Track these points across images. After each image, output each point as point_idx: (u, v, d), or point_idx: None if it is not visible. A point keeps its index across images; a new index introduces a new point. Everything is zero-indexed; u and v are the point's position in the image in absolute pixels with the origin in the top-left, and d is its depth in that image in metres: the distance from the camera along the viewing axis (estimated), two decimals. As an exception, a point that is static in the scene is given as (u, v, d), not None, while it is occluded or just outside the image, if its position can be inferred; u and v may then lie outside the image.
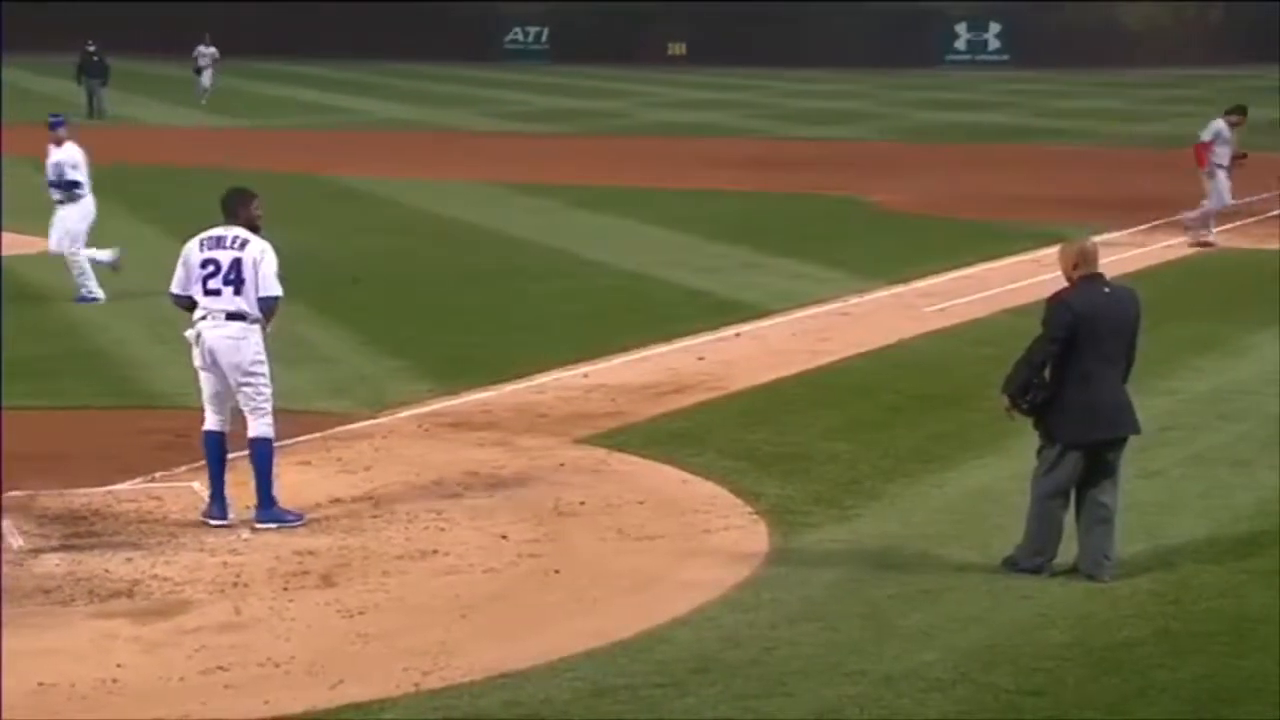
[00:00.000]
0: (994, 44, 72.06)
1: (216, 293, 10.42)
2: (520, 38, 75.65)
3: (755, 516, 10.55)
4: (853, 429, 12.80)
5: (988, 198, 28.16)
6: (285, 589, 9.21)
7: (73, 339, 15.85)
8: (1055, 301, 9.12)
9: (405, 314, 17.76)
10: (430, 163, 34.31)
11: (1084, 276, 9.16)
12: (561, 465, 11.78)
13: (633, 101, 52.80)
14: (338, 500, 10.90)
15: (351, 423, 12.97)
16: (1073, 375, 8.98)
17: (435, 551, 9.87)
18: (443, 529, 10.30)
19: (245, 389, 10.41)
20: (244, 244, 10.54)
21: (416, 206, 26.98)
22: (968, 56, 71.52)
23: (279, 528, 10.26)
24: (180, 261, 10.59)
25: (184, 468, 11.48)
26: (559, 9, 74.62)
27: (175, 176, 30.44)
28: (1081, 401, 9.01)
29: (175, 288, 10.62)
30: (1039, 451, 9.26)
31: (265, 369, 10.47)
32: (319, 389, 14.29)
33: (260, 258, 10.54)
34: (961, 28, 72.22)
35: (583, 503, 10.84)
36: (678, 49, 72.96)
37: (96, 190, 20.28)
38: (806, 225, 25.19)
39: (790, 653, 8.22)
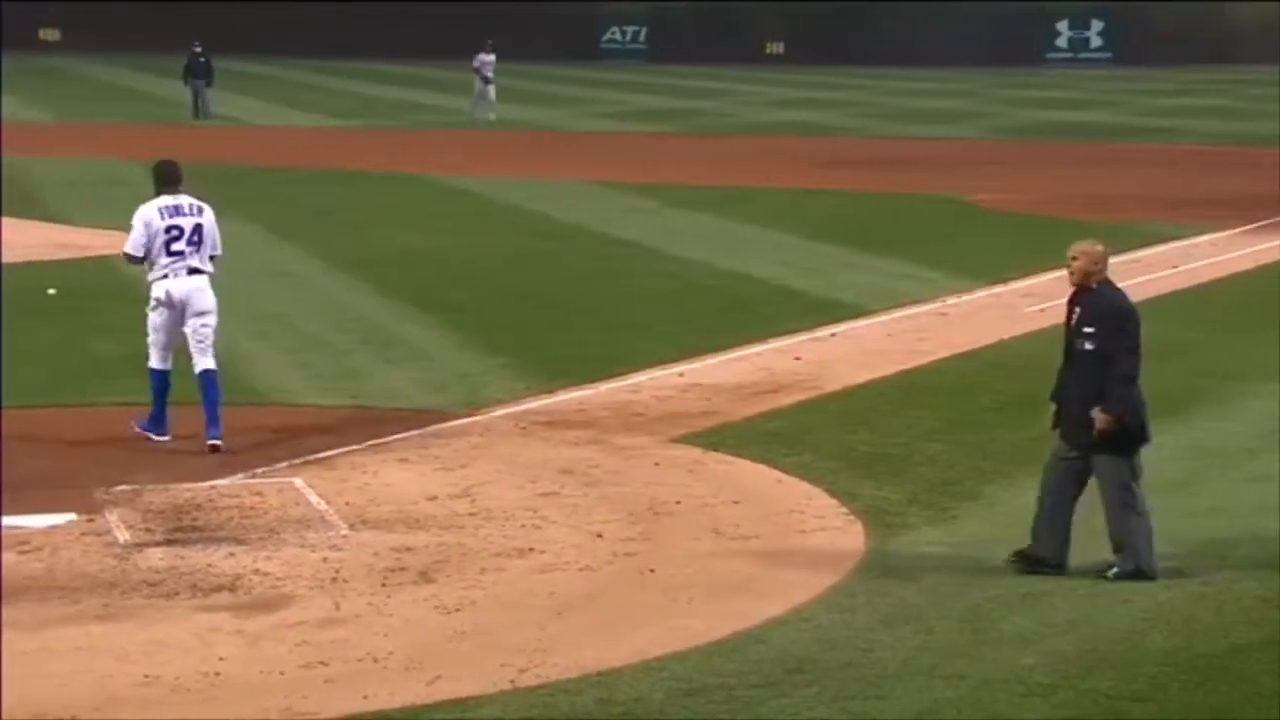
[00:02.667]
0: (1096, 41, 71.15)
1: (180, 254, 12.16)
2: (618, 37, 75.78)
3: (851, 517, 10.50)
4: (950, 430, 12.70)
5: (1089, 197, 27.81)
6: (384, 585, 9.29)
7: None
8: (1120, 312, 9.07)
9: (504, 312, 17.86)
10: (529, 162, 34.47)
11: (1102, 281, 9.18)
12: (657, 464, 11.80)
13: (731, 101, 52.71)
14: (435, 498, 10.99)
15: (449, 420, 13.07)
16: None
17: (531, 549, 9.92)
18: (539, 527, 10.35)
19: (202, 329, 12.22)
20: (201, 210, 12.32)
21: (516, 205, 27.11)
22: (1069, 54, 70.68)
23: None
24: (142, 226, 12.14)
25: (284, 463, 11.65)
26: (657, 8, 74.66)
27: (277, 175, 30.80)
28: (1140, 405, 9.12)
29: (134, 249, 12.20)
30: (1114, 464, 9.12)
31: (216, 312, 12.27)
32: (418, 387, 14.40)
33: (213, 223, 12.35)
34: (1063, 25, 71.38)
35: (678, 502, 10.85)
36: (775, 48, 72.73)
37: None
38: (906, 225, 25.02)
39: (887, 655, 8.18)
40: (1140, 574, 9.17)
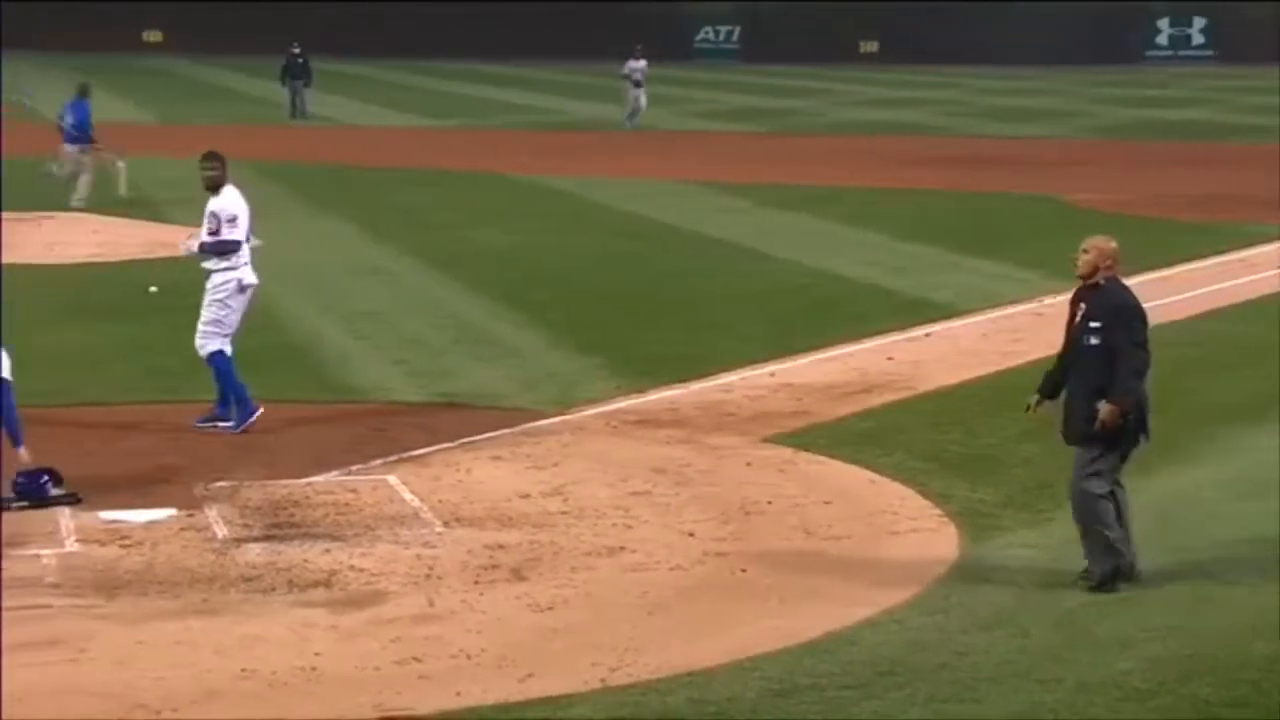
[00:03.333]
0: (1198, 39, 70.09)
1: (249, 240, 12.89)
2: (710, 37, 75.72)
3: (944, 519, 10.42)
4: (1045, 432, 12.51)
5: (1190, 196, 27.43)
6: (476, 582, 9.34)
7: (277, 333, 16.23)
8: (1127, 308, 8.95)
9: (594, 311, 17.90)
10: (619, 161, 34.50)
11: (1110, 277, 9.06)
12: (748, 464, 11.78)
13: (823, 100, 52.48)
14: (527, 495, 11.03)
15: (541, 419, 13.12)
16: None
17: (623, 548, 9.93)
18: (630, 526, 10.36)
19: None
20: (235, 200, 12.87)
21: (607, 205, 27.17)
22: (1170, 52, 69.68)
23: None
24: (245, 213, 12.74)
25: (379, 461, 11.73)
26: (749, 8, 74.51)
27: (372, 175, 31.07)
28: (1144, 403, 9.01)
29: (243, 236, 12.74)
30: (1106, 458, 8.97)
31: None
32: (511, 385, 14.48)
33: None
34: (1164, 23, 70.37)
35: (769, 502, 10.83)
36: (869, 47, 72.32)
37: (297, 188, 20.80)
38: (1001, 224, 24.79)
39: (980, 658, 8.11)
40: (1114, 575, 8.99)
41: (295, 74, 44.44)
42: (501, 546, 9.93)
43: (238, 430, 12.40)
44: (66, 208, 25.46)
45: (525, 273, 20.47)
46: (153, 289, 16.56)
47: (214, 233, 12.64)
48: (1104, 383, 8.85)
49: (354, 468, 11.58)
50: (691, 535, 10.14)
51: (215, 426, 12.45)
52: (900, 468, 11.51)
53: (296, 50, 44.31)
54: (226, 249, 12.67)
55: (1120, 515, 9.11)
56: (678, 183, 30.14)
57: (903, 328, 16.64)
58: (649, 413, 13.35)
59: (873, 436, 12.40)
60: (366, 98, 52.11)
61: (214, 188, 12.70)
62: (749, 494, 10.99)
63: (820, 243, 22.78)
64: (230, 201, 12.73)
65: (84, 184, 25.96)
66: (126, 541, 9.95)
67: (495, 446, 12.31)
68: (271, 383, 14.23)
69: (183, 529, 10.23)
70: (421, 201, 27.43)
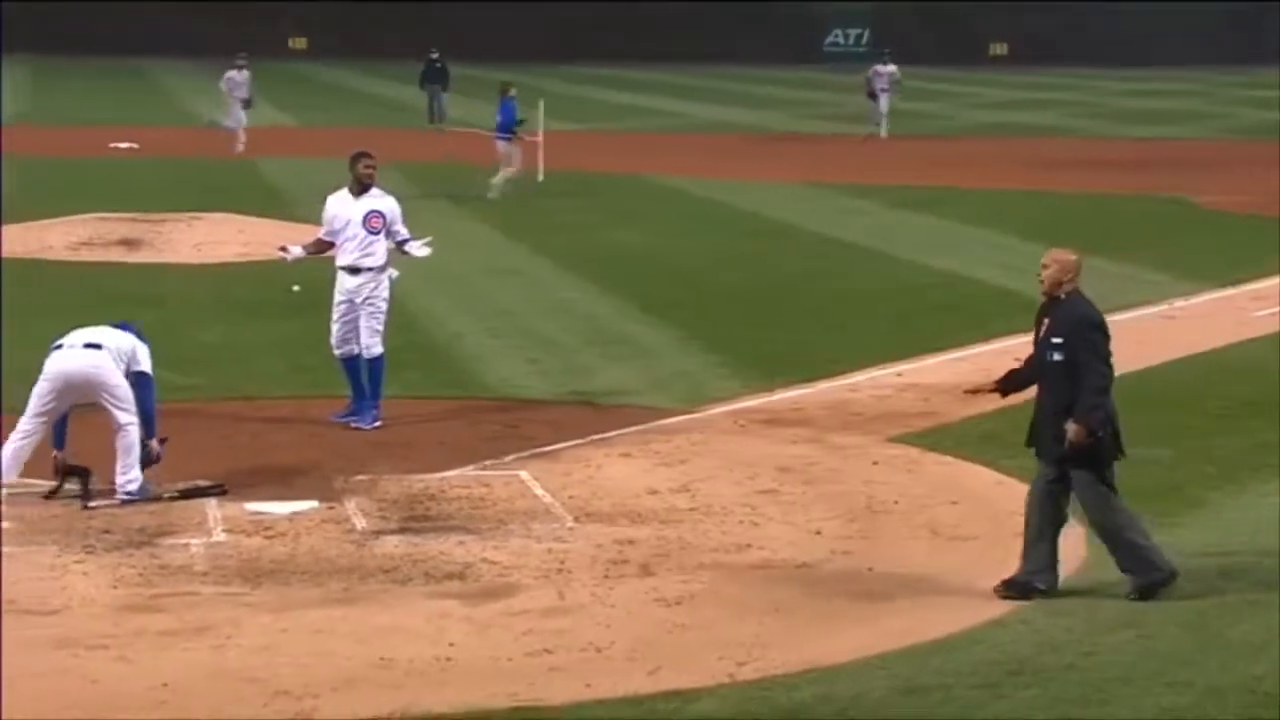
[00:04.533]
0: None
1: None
2: (840, 39, 75.27)
3: (1072, 521, 10.26)
4: (1175, 435, 12.32)
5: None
6: (606, 577, 9.37)
7: (416, 332, 16.42)
8: (1087, 321, 8.73)
9: (723, 312, 17.88)
10: (748, 163, 34.42)
11: (1072, 291, 8.84)
12: (875, 463, 11.71)
13: (953, 102, 51.92)
14: (656, 492, 11.05)
15: (670, 417, 13.13)
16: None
17: (750, 545, 9.91)
18: (757, 524, 10.33)
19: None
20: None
21: (735, 206, 27.13)
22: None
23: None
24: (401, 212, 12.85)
25: (511, 456, 11.82)
26: (880, 10, 73.92)
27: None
28: (1114, 415, 8.78)
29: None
30: (1093, 482, 8.74)
31: None
32: (640, 384, 14.51)
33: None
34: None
35: (896, 501, 10.76)
36: (999, 49, 71.42)
37: (437, 189, 21.08)
38: (1132, 226, 24.35)
39: (1108, 659, 7.98)
40: (1161, 583, 8.77)
41: (434, 79, 44.84)
42: (630, 542, 9.95)
43: (369, 427, 12.51)
44: (484, 198, 26.40)
45: (656, 273, 20.50)
46: (295, 288, 16.82)
47: (376, 231, 12.64)
48: (1071, 399, 8.65)
49: (487, 463, 11.66)
50: (818, 533, 10.11)
51: (349, 423, 12.55)
52: (1027, 469, 11.30)
53: (435, 56, 44.70)
54: (408, 241, 12.84)
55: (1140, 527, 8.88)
56: (805, 185, 29.99)
57: (1029, 329, 16.39)
58: (776, 412, 13.31)
59: (999, 437, 12.22)
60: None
61: (368, 186, 12.77)
62: (875, 493, 10.93)
63: (946, 244, 22.55)
64: (391, 199, 12.86)
65: (502, 175, 27.02)
66: (270, 532, 10.11)
67: (625, 443, 12.33)
68: (409, 379, 14.40)
69: (324, 521, 10.38)
70: (557, 203, 27.58)
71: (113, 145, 35.33)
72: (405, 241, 12.88)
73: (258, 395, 13.43)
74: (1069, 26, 69.14)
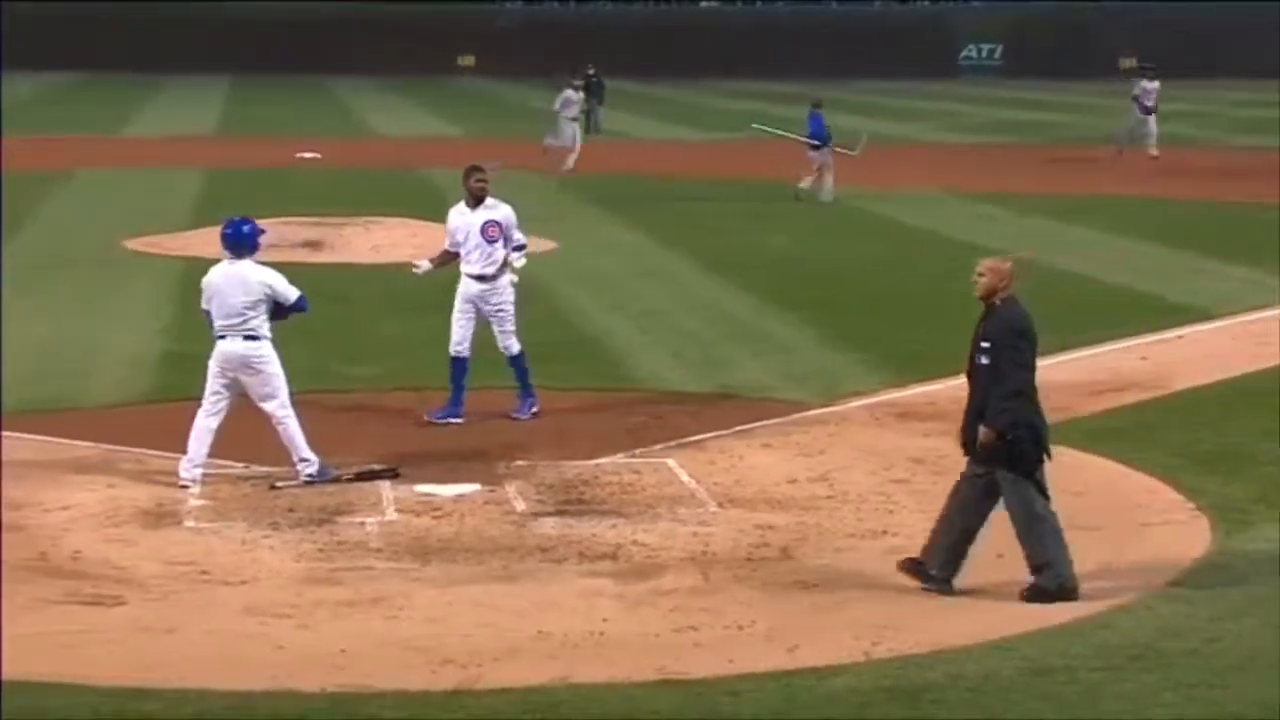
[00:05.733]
0: None
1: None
2: (974, 54, 74.24)
3: (1196, 512, 10.04)
4: (1297, 432, 12.00)
5: None
6: (748, 559, 9.37)
7: (568, 329, 16.54)
8: (1012, 328, 8.49)
9: (862, 311, 17.75)
10: (890, 172, 34.05)
11: (1007, 298, 8.60)
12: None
13: (1084, 114, 50.93)
14: (795, 481, 11.02)
15: (809, 410, 13.08)
16: (1027, 403, 8.52)
17: (884, 532, 9.84)
18: (891, 511, 10.26)
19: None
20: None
21: (877, 213, 26.90)
22: None
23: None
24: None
25: (659, 445, 11.86)
26: (1014, 25, 72.75)
27: (657, 185, 31.38)
28: (1036, 419, 8.51)
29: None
30: (1014, 481, 8.49)
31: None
32: (780, 378, 14.48)
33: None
34: None
35: (1025, 492, 10.59)
36: (1129, 63, 69.93)
37: (592, 197, 21.11)
38: (1253, 232, 23.65)
39: (1231, 645, 7.80)
40: (1063, 592, 8.47)
41: (591, 92, 45.13)
42: (771, 527, 9.95)
43: (526, 417, 12.50)
44: (817, 202, 26.85)
45: (797, 275, 20.42)
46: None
47: (494, 240, 12.57)
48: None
49: (636, 451, 11.72)
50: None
51: (452, 421, 12.45)
52: (1151, 463, 11.13)
53: (591, 71, 45.03)
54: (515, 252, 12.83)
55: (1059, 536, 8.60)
56: (943, 191, 29.65)
57: (1155, 330, 16.07)
58: (909, 406, 13.19)
59: (1125, 433, 12.02)
60: (655, 113, 52.64)
61: (482, 199, 12.73)
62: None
63: (1078, 248, 22.14)
64: (507, 208, 12.82)
65: (828, 179, 27.54)
66: (438, 513, 10.24)
67: (766, 435, 12.31)
68: (564, 372, 14.50)
69: (486, 503, 10.49)
70: (704, 208, 27.59)
71: (298, 155, 36.12)
72: (519, 247, 12.79)
73: (424, 386, 13.60)
74: (1202, 39, 67.37)
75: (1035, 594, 8.58)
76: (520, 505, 10.44)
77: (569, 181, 31.25)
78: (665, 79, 63.49)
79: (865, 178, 29.23)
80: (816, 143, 27.69)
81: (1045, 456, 8.69)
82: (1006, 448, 8.51)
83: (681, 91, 63.81)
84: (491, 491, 10.70)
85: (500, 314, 12.70)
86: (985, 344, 8.63)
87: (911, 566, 8.77)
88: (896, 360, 14.94)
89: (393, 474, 10.95)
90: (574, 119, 33.83)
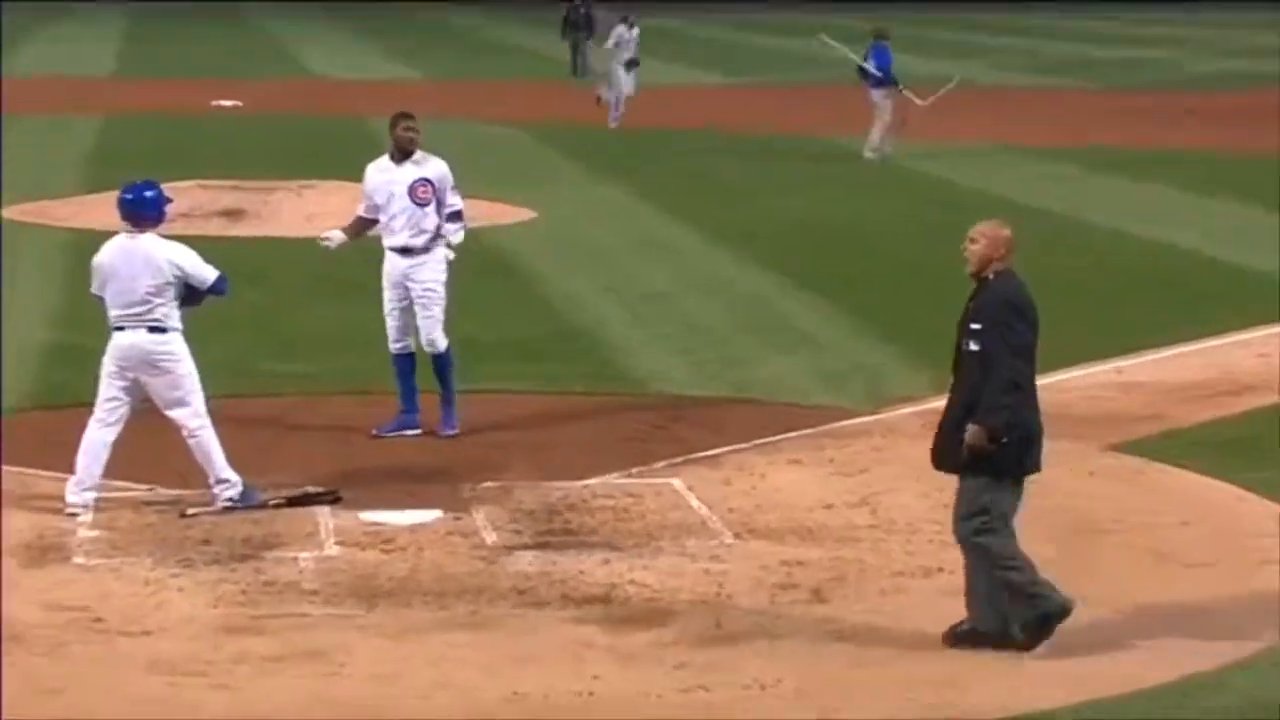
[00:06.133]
0: None
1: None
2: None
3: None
4: None
5: None
6: (772, 603, 9.32)
7: (555, 319, 16.53)
8: (1006, 305, 8.45)
9: (908, 292, 17.68)
10: (932, 121, 33.94)
11: (1003, 270, 8.60)
12: (1090, 474, 11.56)
13: (1176, 49, 50.95)
14: (830, 506, 10.98)
15: (847, 418, 13.03)
16: (1022, 397, 8.48)
17: (940, 569, 9.78)
18: (948, 543, 10.02)
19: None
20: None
21: (916, 169, 26.90)
22: None
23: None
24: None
25: (662, 462, 11.82)
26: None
27: (656, 136, 31.33)
28: (1032, 420, 8.49)
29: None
30: (979, 495, 8.48)
31: None
32: (811, 378, 14.44)
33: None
34: None
35: (1115, 520, 10.59)
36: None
37: (575, 149, 20.99)
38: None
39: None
40: (1003, 639, 8.46)
41: (577, 26, 44.69)
42: (800, 563, 9.90)
43: (455, 432, 12.37)
44: (860, 158, 26.93)
45: (827, 247, 20.39)
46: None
47: (424, 203, 12.29)
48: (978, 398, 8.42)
49: (635, 469, 11.68)
50: (1021, 556, 9.94)
51: (402, 435, 12.39)
52: (1272, 484, 11.09)
53: (578, 1, 44.62)
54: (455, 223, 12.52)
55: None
56: (994, 145, 29.67)
57: (1274, 319, 16.04)
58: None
59: (1240, 446, 12.00)
60: (659, 52, 52.55)
61: (410, 152, 12.40)
62: (1090, 510, 10.78)
63: (1167, 215, 22.21)
64: (440, 164, 12.49)
65: (877, 131, 27.50)
66: (389, 546, 10.19)
67: (794, 448, 12.27)
68: (545, 371, 14.49)
69: (449, 533, 10.44)
70: (714, 167, 27.57)
71: (215, 102, 36.06)
72: (454, 216, 12.50)
73: (374, 388, 13.54)
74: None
75: (966, 638, 8.56)
76: (491, 536, 10.41)
77: (551, 136, 31.22)
78: (667, 7, 63.26)
79: (918, 131, 29.24)
80: (880, 75, 27.62)
81: (1029, 469, 8.60)
82: (991, 453, 8.43)
83: (684, 24, 63.74)
84: (455, 519, 10.67)
85: (428, 296, 12.43)
86: (975, 325, 8.59)
87: (962, 637, 8.64)
88: (953, 355, 14.88)
89: (333, 498, 10.92)
90: (629, 62, 33.79)
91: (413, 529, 10.46)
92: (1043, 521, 10.48)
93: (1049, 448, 11.91)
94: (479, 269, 17.85)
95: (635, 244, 20.82)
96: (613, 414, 13.19)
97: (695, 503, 11.00)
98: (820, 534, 10.41)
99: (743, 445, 12.22)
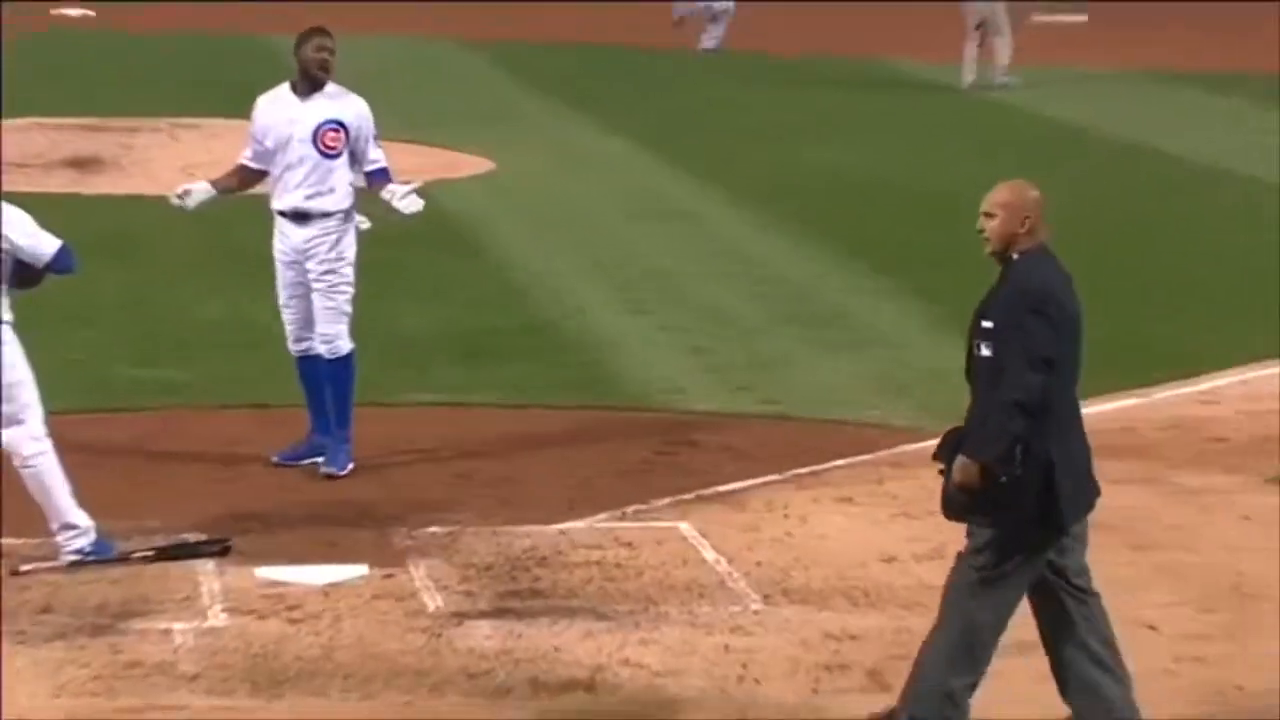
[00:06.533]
0: None
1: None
2: None
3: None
4: None
5: None
6: (815, 691, 9.35)
7: (522, 308, 16.61)
8: (1021, 293, 8.52)
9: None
10: (1030, 43, 34.00)
11: (1032, 249, 8.64)
12: (1246, 518, 11.65)
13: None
14: (893, 559, 11.01)
15: (915, 441, 13.01)
16: (1046, 421, 8.50)
17: (1035, 645, 9.74)
18: (1053, 610, 10.25)
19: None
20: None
21: (1011, 105, 26.91)
22: None
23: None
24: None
25: (666, 500, 11.86)
26: None
27: (648, 61, 31.38)
28: (1058, 454, 8.48)
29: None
30: (978, 552, 8.56)
31: None
32: (865, 387, 14.48)
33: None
34: None
35: (1280, 580, 10.69)
36: None
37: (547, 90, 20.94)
38: None
39: None
40: None
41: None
42: (853, 636, 9.96)
43: (344, 472, 12.41)
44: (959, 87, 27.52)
45: (890, 211, 20.40)
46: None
47: (333, 153, 12.29)
48: None
49: (629, 509, 11.72)
50: (1153, 629, 10.05)
51: (315, 463, 12.45)
52: None
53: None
54: (387, 179, 12.47)
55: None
56: (1121, 72, 29.73)
57: None
58: (1090, 431, 13.16)
59: None
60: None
61: (321, 82, 12.38)
62: (1246, 566, 10.84)
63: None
64: (358, 102, 12.46)
65: (1005, 47, 28.29)
66: (296, 613, 10.17)
67: (844, 481, 12.32)
68: (507, 378, 14.52)
69: (376, 596, 10.42)
70: (735, 102, 27.58)
71: (57, 10, 36.06)
72: (380, 175, 12.45)
73: (276, 402, 13.52)
74: None
75: None
76: (435, 600, 10.40)
77: (516, 59, 31.23)
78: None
79: (1033, 55, 29.42)
80: None
81: (1057, 522, 8.53)
82: (996, 492, 8.44)
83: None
84: (387, 577, 10.66)
85: (329, 279, 12.41)
86: (986, 323, 8.66)
87: None
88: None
89: (220, 548, 10.91)
90: None
91: (328, 591, 10.44)
92: (1186, 581, 10.68)
93: (1194, 482, 12.10)
94: (418, 240, 17.86)
95: (631, 208, 20.85)
96: (600, 435, 13.21)
97: (711, 554, 11.04)
98: (879, 596, 10.45)
99: (775, 477, 12.31)
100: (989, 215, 8.78)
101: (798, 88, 28.84)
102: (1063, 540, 8.58)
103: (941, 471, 8.65)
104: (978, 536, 8.59)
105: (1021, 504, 8.45)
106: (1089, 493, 8.68)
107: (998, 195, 8.80)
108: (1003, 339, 8.53)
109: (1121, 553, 11.02)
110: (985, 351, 8.62)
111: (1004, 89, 27.99)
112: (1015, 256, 8.71)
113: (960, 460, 8.51)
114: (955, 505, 8.60)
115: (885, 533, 11.41)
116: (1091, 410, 13.40)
